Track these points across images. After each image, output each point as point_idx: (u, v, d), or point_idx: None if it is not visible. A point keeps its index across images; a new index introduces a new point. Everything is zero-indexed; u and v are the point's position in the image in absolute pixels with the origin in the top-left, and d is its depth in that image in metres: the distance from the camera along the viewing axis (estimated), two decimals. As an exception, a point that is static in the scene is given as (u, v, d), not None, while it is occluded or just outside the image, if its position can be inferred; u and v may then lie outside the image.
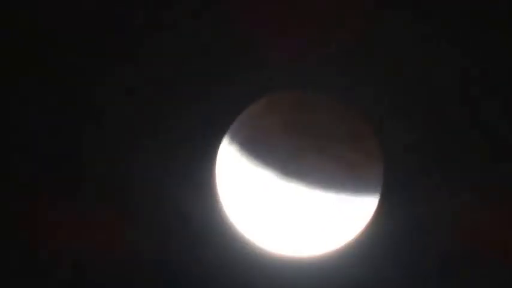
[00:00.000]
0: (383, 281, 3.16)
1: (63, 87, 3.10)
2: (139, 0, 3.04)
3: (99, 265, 3.17)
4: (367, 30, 3.05)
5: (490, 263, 3.14)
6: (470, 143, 3.12)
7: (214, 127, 3.09)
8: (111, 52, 3.07)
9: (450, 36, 3.07)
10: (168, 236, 3.15)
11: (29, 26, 3.08)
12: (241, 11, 3.05)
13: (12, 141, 3.13)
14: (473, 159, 3.13)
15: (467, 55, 3.08)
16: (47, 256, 3.16)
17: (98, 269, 3.17)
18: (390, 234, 3.13)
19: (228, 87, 3.08)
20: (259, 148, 3.02)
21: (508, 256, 3.14)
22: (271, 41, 3.06)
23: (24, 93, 3.11)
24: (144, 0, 3.04)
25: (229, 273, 3.15)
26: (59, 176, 3.13)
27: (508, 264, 3.14)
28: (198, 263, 3.16)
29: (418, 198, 3.13)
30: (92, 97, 3.10)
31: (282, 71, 3.07)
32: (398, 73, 3.09)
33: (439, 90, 3.10)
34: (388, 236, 3.13)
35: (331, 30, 3.06)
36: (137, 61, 3.08)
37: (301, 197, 3.01)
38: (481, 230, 3.14)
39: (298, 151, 2.99)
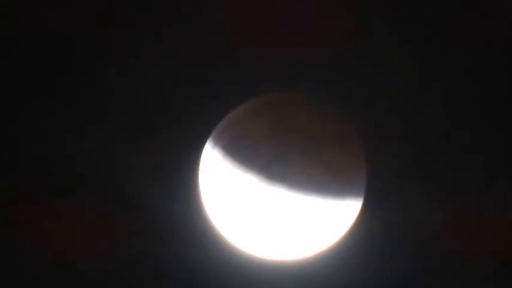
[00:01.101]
0: (365, 284, 3.16)
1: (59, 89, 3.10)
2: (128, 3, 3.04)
3: (82, 265, 3.16)
4: (356, 34, 3.06)
5: (470, 265, 3.16)
6: (453, 149, 3.13)
7: (198, 130, 3.09)
8: (102, 56, 3.07)
9: (440, 43, 3.08)
10: (151, 240, 3.14)
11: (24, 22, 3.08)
12: (229, 15, 3.05)
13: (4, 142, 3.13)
14: (455, 165, 3.14)
15: (455, 63, 3.10)
16: (34, 255, 3.15)
17: (81, 269, 3.16)
18: (373, 238, 3.13)
19: (212, 91, 3.08)
20: (243, 151, 3.02)
21: (489, 258, 3.16)
22: (256, 44, 3.06)
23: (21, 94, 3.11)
24: (132, 3, 3.04)
25: (213, 277, 3.15)
26: (47, 177, 3.12)
27: (489, 265, 3.16)
28: (181, 267, 3.15)
29: (401, 202, 3.14)
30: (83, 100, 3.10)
31: (266, 75, 3.07)
32: (385, 78, 3.10)
33: (424, 97, 3.11)
34: (371, 239, 3.14)
35: (318, 34, 3.07)
36: (125, 65, 3.08)
37: (284, 200, 3.01)
38: (462, 233, 3.15)
39: (282, 154, 2.99)
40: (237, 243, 3.11)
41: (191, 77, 3.08)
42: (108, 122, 3.11)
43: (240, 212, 3.05)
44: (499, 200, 3.14)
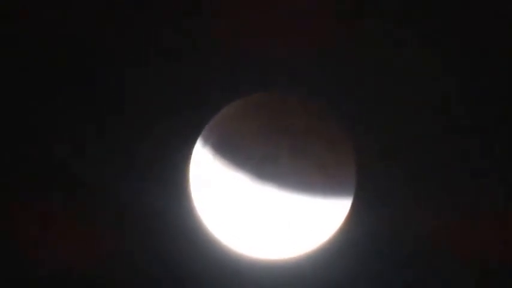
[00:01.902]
0: (356, 282, 3.17)
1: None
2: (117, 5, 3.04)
3: (73, 266, 3.16)
4: (345, 33, 3.07)
5: (459, 264, 3.17)
6: (444, 147, 3.14)
7: (189, 129, 3.09)
8: (98, 57, 3.08)
9: (430, 42, 3.09)
10: (142, 238, 3.14)
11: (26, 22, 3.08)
12: (218, 15, 3.05)
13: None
14: (446, 163, 3.15)
15: (448, 64, 3.11)
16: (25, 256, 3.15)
17: (71, 269, 3.16)
18: (363, 236, 3.14)
19: (202, 89, 3.08)
20: (233, 150, 3.02)
21: (478, 257, 3.17)
22: (246, 43, 3.06)
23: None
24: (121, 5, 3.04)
25: (204, 275, 3.15)
26: (38, 178, 3.12)
27: (478, 265, 3.17)
28: (172, 265, 3.15)
29: (391, 200, 3.15)
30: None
31: (256, 73, 3.07)
32: (374, 76, 3.10)
33: (415, 96, 3.12)
34: (361, 237, 3.14)
35: (307, 34, 3.07)
36: (120, 66, 3.08)
37: (274, 199, 3.01)
38: (452, 232, 3.16)
39: (272, 153, 3.00)
40: (227, 242, 3.11)
41: (183, 77, 3.09)
42: (99, 121, 3.11)
43: (231, 211, 3.05)
44: (490, 198, 3.15)
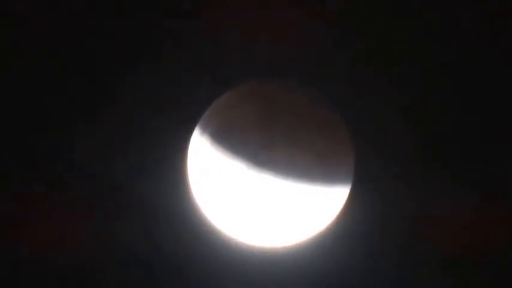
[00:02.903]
0: (353, 270, 3.17)
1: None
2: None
3: (70, 256, 3.16)
4: (340, 17, 3.07)
5: (459, 253, 3.17)
6: (442, 136, 3.14)
7: (186, 118, 3.09)
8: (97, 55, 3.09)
9: (424, 35, 3.10)
10: (140, 227, 3.15)
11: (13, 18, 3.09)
12: (209, 3, 3.06)
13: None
14: (444, 151, 3.15)
15: (440, 56, 3.11)
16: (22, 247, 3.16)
17: (70, 259, 3.16)
18: (361, 224, 3.14)
19: (199, 78, 3.09)
20: (231, 138, 3.02)
21: (473, 246, 3.17)
22: (242, 31, 3.06)
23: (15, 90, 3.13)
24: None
25: (200, 263, 3.15)
26: (34, 168, 3.13)
27: (473, 255, 3.17)
28: (170, 254, 3.15)
29: (389, 188, 3.15)
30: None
31: (252, 61, 3.07)
32: (372, 64, 3.11)
33: (414, 85, 3.13)
34: (358, 226, 3.14)
35: (301, 20, 3.08)
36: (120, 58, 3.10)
37: (272, 187, 3.01)
38: (451, 220, 3.17)
39: (269, 141, 3.00)
40: (225, 230, 3.11)
41: (180, 66, 3.10)
42: (97, 109, 3.12)
43: (229, 199, 3.06)
44: (485, 189, 3.16)
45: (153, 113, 3.11)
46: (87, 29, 3.08)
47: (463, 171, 3.15)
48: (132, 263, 3.16)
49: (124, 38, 3.09)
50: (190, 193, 3.10)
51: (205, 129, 3.07)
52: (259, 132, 3.01)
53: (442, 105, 3.13)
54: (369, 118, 3.12)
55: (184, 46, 3.09)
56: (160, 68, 3.10)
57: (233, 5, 3.07)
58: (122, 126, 3.12)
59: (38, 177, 3.13)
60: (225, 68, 3.08)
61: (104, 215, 3.14)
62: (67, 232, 3.15)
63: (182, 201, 3.12)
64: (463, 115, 3.14)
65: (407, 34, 3.11)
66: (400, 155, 3.14)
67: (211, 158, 3.05)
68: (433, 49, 3.11)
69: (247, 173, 3.02)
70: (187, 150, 3.09)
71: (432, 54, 3.11)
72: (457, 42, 3.13)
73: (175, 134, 3.10)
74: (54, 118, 3.12)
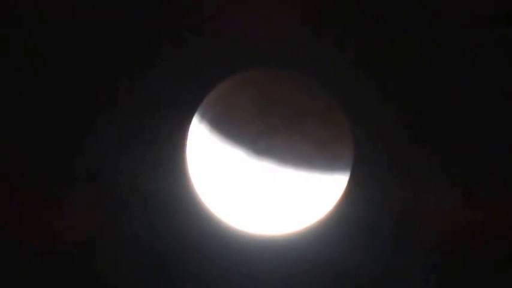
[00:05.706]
0: (352, 259, 3.18)
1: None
2: None
3: (71, 242, 3.17)
4: (338, 11, 3.07)
5: (454, 242, 3.18)
6: (441, 123, 3.14)
7: (185, 105, 3.09)
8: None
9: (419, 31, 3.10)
10: (139, 214, 3.15)
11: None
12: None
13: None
14: (443, 140, 3.15)
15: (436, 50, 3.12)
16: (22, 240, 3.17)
17: (70, 245, 3.17)
18: (360, 212, 3.15)
19: (198, 65, 3.09)
20: (229, 126, 3.02)
21: (470, 236, 3.18)
22: (240, 18, 3.06)
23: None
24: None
25: (201, 251, 3.16)
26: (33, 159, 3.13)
27: (470, 245, 3.18)
28: (169, 241, 3.16)
29: (388, 176, 3.15)
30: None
31: (251, 48, 3.07)
32: (372, 52, 3.11)
33: (410, 74, 3.12)
34: (358, 213, 3.15)
35: (302, 10, 3.07)
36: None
37: (271, 174, 3.01)
38: (449, 209, 3.17)
39: (268, 129, 2.99)
40: (224, 218, 3.11)
41: (178, 54, 3.09)
42: (96, 100, 3.12)
43: (227, 187, 3.06)
44: (481, 179, 3.16)
45: (151, 100, 3.11)
46: (87, 29, 3.09)
47: (459, 161, 3.16)
48: (131, 251, 3.17)
49: (124, 38, 3.09)
50: (189, 181, 3.10)
51: (204, 117, 3.06)
52: (258, 119, 3.00)
53: (438, 98, 3.14)
54: (370, 104, 3.12)
55: (184, 33, 3.09)
56: (159, 54, 3.10)
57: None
58: (121, 114, 3.12)
59: (41, 175, 3.14)
60: (225, 55, 3.08)
61: (103, 204, 3.14)
62: (73, 227, 3.16)
63: (181, 189, 3.12)
64: (459, 108, 3.15)
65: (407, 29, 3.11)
66: (398, 143, 3.14)
67: (210, 145, 3.05)
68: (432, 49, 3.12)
69: (246, 160, 3.01)
70: (187, 137, 3.09)
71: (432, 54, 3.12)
72: (455, 41, 3.13)
73: (174, 122, 3.10)
74: (55, 118, 3.13)
